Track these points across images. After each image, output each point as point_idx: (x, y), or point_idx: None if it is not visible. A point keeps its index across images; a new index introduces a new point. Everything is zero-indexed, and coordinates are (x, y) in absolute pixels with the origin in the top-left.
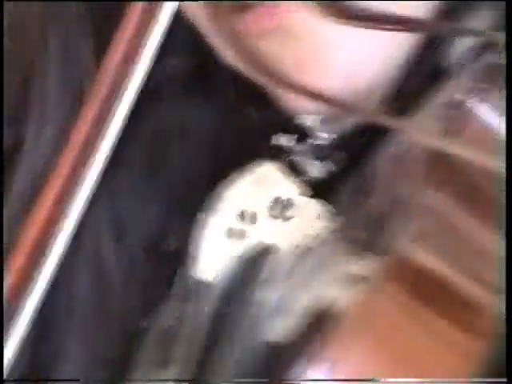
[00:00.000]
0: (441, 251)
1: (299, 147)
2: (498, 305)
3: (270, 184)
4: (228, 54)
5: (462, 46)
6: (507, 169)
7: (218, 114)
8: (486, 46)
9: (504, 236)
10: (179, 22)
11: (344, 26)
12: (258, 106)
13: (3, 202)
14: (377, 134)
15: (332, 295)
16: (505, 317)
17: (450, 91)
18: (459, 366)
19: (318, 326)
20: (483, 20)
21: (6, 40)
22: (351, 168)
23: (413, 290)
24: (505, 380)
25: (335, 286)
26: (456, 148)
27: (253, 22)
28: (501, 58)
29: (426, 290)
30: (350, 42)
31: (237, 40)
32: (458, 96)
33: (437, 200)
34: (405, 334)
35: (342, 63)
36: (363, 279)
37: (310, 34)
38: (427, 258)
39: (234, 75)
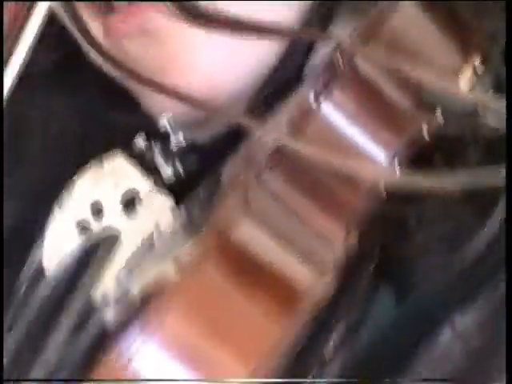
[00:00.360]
0: (269, 229)
1: (154, 147)
2: (322, 288)
3: (122, 176)
4: (92, 53)
5: (318, 56)
6: (507, 169)
7: (81, 112)
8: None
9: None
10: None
11: (207, 30)
12: (121, 106)
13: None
14: (229, 141)
15: (162, 274)
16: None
17: (300, 94)
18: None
19: (148, 301)
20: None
21: None
22: (201, 172)
23: (232, 266)
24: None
25: (165, 267)
26: (298, 145)
27: (118, 23)
28: (338, 57)
29: (246, 267)
30: (212, 45)
31: (95, 40)
32: (306, 96)
33: (274, 185)
34: (217, 305)
35: (202, 66)
36: (188, 257)
37: (173, 37)
38: (252, 235)
39: (99, 74)
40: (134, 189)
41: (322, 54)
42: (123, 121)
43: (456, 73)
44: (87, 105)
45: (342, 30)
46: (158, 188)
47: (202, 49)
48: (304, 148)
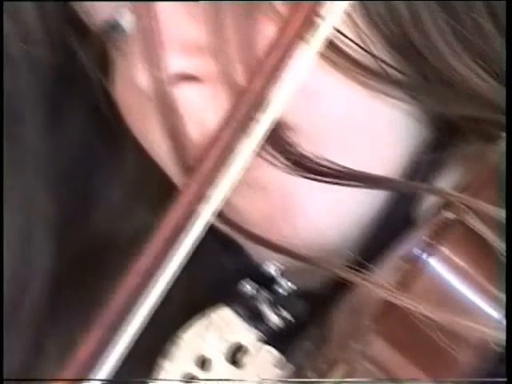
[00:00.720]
0: None
1: (260, 294)
2: None
3: (227, 330)
4: None
5: (426, 203)
6: (507, 169)
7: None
8: (444, 205)
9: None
10: None
11: (312, 181)
12: (227, 250)
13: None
14: (338, 289)
15: None
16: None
17: (407, 245)
18: None
19: None
20: (446, 180)
21: None
22: (309, 320)
23: None
24: (505, 380)
25: None
26: (405, 301)
27: None
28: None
29: None
30: (317, 193)
31: None
32: (412, 250)
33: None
34: None
35: (308, 214)
36: None
37: (278, 188)
38: None
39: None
40: (239, 342)
41: (429, 203)
42: (229, 264)
43: None
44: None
45: (448, 182)
46: (264, 338)
47: (307, 197)
48: (412, 303)
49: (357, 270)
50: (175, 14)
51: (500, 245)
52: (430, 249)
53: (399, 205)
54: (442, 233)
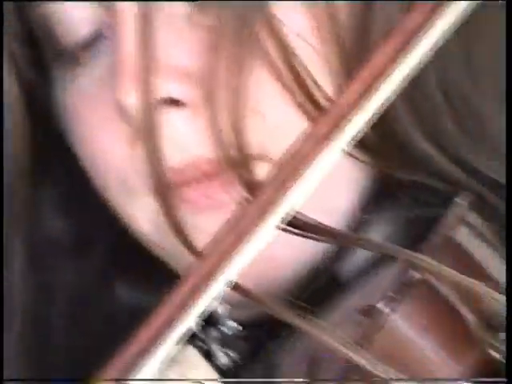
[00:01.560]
0: None
1: (209, 333)
2: None
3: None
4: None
5: (360, 256)
6: (507, 169)
7: None
8: (387, 259)
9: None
10: None
11: None
12: None
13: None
14: (279, 328)
15: None
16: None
17: (361, 298)
18: None
19: None
20: (380, 233)
21: None
22: (254, 358)
23: None
24: (505, 380)
25: None
26: (366, 360)
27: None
28: (412, 274)
29: None
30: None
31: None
32: (371, 303)
33: None
34: None
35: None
36: None
37: None
38: None
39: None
40: (200, 380)
41: (394, 269)
42: None
43: None
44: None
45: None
46: (215, 375)
47: None
48: (370, 361)
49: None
50: (169, 39)
51: (463, 308)
52: (394, 304)
53: (331, 259)
54: (406, 290)
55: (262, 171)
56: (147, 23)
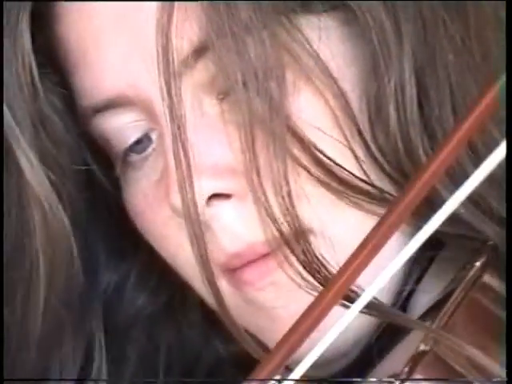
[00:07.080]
0: None
1: None
2: None
3: None
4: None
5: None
6: (507, 169)
7: None
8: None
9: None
10: None
11: None
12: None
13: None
14: None
15: None
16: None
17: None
18: None
19: None
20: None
21: None
22: None
23: None
24: (505, 380)
25: None
26: None
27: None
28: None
29: None
30: None
31: None
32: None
33: None
34: None
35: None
36: None
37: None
38: None
39: None
40: None
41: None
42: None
43: None
44: None
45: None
46: None
47: None
48: None
49: None
50: (206, 139)
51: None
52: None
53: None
54: (415, 363)
55: (314, 245)
56: (182, 127)
